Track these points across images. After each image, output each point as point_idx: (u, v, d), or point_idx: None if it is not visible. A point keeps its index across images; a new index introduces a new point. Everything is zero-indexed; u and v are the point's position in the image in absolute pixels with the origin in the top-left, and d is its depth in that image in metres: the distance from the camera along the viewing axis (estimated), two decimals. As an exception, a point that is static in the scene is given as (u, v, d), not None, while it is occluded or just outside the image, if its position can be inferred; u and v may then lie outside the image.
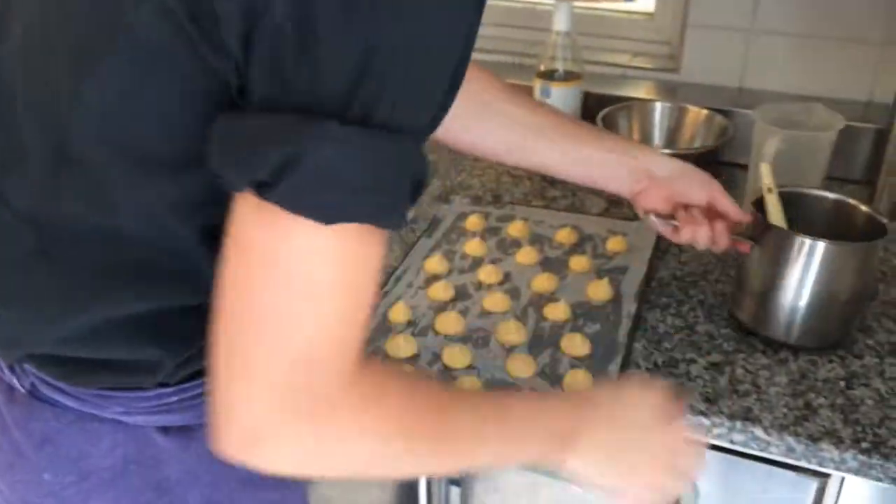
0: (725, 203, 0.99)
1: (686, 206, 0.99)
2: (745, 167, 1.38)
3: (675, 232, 1.00)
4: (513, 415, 0.68)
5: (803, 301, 0.94)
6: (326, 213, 0.51)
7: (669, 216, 0.99)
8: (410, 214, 0.51)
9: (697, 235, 0.98)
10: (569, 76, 1.36)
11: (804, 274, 0.92)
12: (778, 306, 0.95)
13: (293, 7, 0.50)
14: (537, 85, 1.37)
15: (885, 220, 0.95)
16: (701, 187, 1.00)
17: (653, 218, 1.00)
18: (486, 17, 1.79)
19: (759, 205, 0.99)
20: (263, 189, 0.51)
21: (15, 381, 0.74)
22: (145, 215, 0.63)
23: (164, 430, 0.73)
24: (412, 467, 0.64)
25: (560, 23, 1.34)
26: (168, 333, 0.68)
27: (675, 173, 1.00)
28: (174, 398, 0.72)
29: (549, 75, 1.36)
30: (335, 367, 0.56)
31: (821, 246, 0.91)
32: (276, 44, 0.51)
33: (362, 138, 0.51)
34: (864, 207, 0.99)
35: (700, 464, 0.73)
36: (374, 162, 0.52)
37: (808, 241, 0.91)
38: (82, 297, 0.67)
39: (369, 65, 0.50)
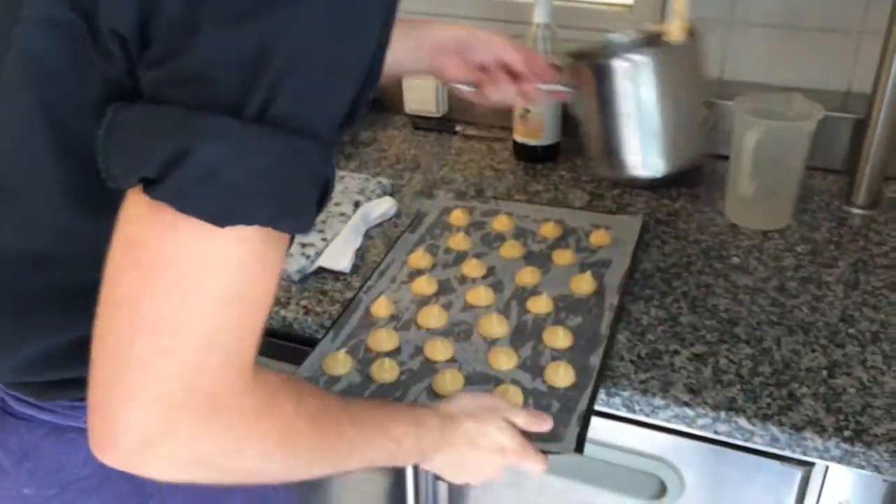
0: (512, 57, 1.01)
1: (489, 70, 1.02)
2: (725, 158, 1.39)
3: (480, 95, 1.03)
4: (390, 433, 0.72)
5: (646, 125, 0.95)
6: (218, 214, 0.49)
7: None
8: (317, 221, 0.51)
9: (503, 94, 1.01)
10: (550, 69, 1.36)
11: (636, 97, 0.94)
12: (625, 138, 0.96)
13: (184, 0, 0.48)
14: (518, 78, 1.37)
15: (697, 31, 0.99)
16: (486, 48, 1.02)
17: (457, 85, 1.04)
18: (467, 11, 1.79)
19: (580, 55, 1.03)
20: (151, 186, 0.48)
21: None
22: (70, 238, 0.62)
23: None
24: (295, 474, 0.64)
25: (540, 15, 1.34)
26: None
27: (459, 39, 1.03)
28: None
29: (530, 68, 1.36)
30: (229, 375, 0.54)
31: (638, 58, 0.93)
32: (167, 36, 0.49)
33: (256, 136, 0.49)
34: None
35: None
36: (268, 161, 0.49)
37: (619, 63, 0.94)
38: (22, 328, 0.66)
39: (264, 61, 0.48)
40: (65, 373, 0.68)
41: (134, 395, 0.51)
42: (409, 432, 0.74)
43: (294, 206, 0.52)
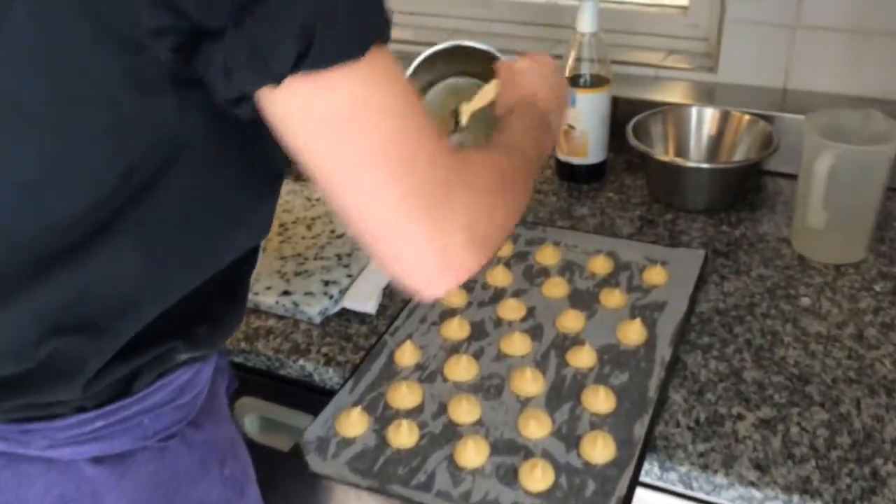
0: None
1: None
2: (790, 177, 1.26)
3: None
4: (527, 140, 0.81)
5: None
6: (359, 47, 0.54)
7: None
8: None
9: None
10: (596, 81, 1.24)
11: None
12: None
13: None
14: (561, 92, 1.26)
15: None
16: None
17: None
18: (505, 14, 1.67)
19: None
20: (301, 65, 0.52)
21: None
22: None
23: (97, 460, 0.69)
24: (528, 185, 0.76)
25: (585, 24, 1.22)
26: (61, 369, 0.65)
27: None
28: (99, 423, 0.68)
29: (574, 81, 1.25)
30: (446, 152, 0.61)
31: None
32: None
33: None
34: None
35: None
36: None
37: None
38: None
39: None
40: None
41: (418, 225, 0.58)
42: (525, 126, 0.84)
43: (382, 9, 0.57)
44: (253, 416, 1.07)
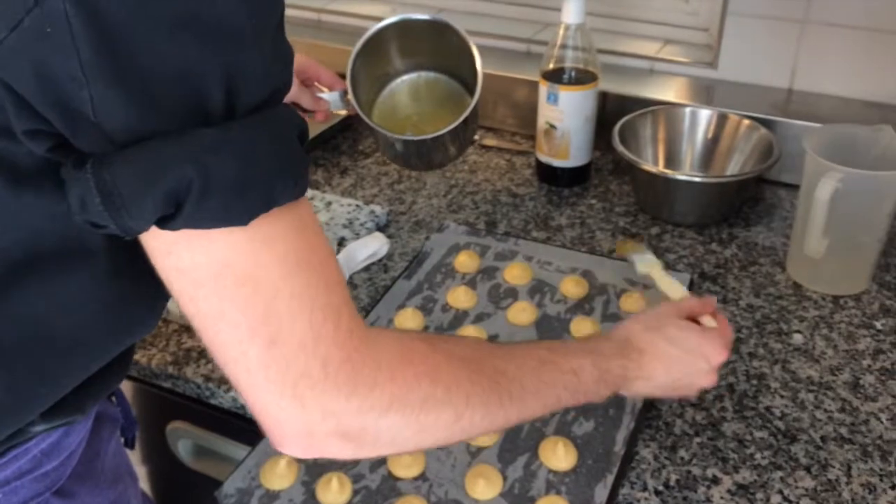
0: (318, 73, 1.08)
1: None
2: (791, 187, 1.16)
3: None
4: (562, 367, 0.66)
5: None
6: (241, 217, 0.48)
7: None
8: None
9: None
10: (581, 77, 1.13)
11: None
12: None
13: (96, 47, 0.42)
14: (543, 88, 1.14)
15: None
16: (311, 70, 1.07)
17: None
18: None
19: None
20: (169, 220, 0.47)
21: None
22: None
23: None
24: (475, 423, 0.59)
25: (570, 14, 1.10)
26: None
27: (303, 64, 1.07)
28: None
29: (557, 76, 1.13)
30: (344, 333, 0.52)
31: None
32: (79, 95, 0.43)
33: (237, 131, 0.47)
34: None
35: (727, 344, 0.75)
36: (259, 148, 0.48)
37: None
38: None
39: (203, 63, 0.45)
40: None
41: (275, 394, 0.51)
42: (584, 363, 0.68)
43: (294, 170, 0.50)
44: (187, 441, 0.98)
